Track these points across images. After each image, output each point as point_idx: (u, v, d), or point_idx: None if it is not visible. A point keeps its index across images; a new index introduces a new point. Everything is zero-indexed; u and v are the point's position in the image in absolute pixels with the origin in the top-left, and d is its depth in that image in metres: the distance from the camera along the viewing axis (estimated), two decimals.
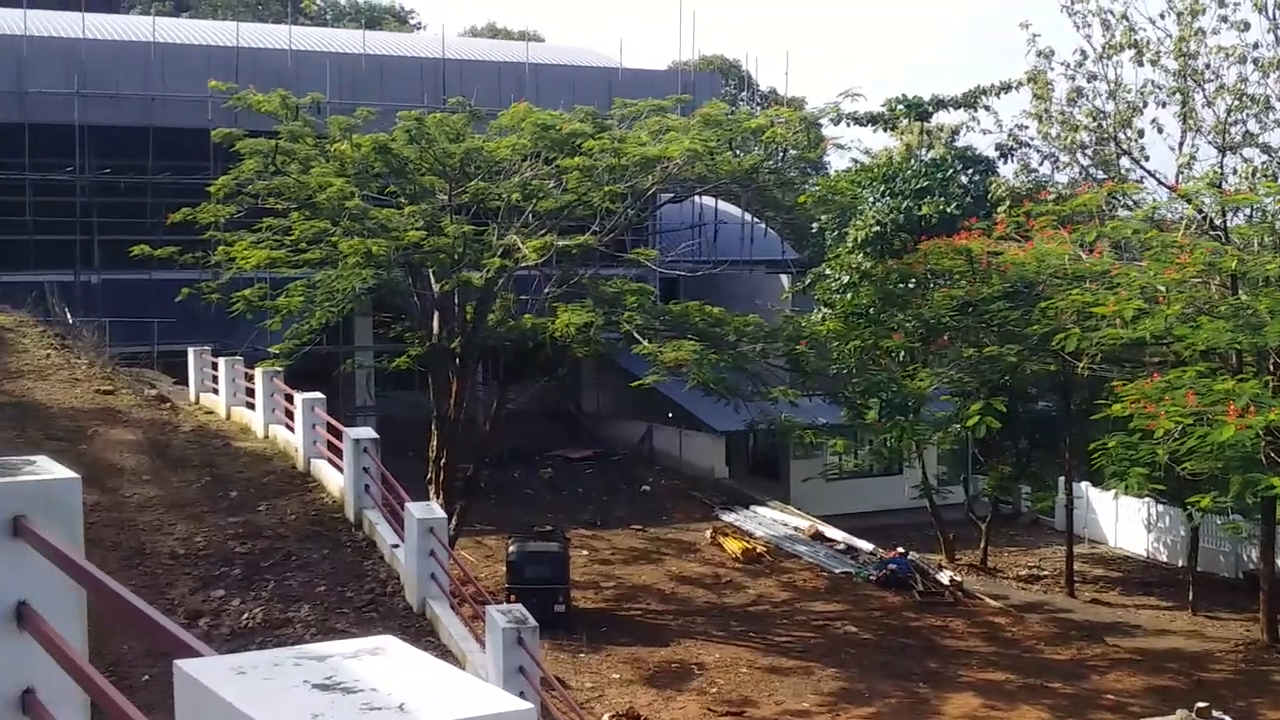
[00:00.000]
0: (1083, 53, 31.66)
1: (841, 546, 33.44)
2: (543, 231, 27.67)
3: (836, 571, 31.40)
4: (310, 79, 35.42)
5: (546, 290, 29.40)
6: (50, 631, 4.26)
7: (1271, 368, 27.95)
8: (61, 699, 4.48)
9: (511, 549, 26.56)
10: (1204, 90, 30.27)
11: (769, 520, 35.61)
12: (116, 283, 36.07)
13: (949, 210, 36.04)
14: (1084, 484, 37.42)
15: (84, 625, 4.53)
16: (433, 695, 2.14)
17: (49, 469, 4.64)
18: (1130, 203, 32.30)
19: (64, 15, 41.72)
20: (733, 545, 32.41)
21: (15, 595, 4.47)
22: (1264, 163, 30.54)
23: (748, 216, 45.33)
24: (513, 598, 22.38)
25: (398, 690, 2.15)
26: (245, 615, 16.74)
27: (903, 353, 33.43)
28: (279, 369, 25.90)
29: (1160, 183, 31.58)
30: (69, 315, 32.68)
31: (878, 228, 36.77)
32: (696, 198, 39.35)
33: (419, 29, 72.37)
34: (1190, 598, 31.64)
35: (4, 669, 4.53)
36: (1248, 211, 30.64)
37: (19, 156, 36.77)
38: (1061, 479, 36.59)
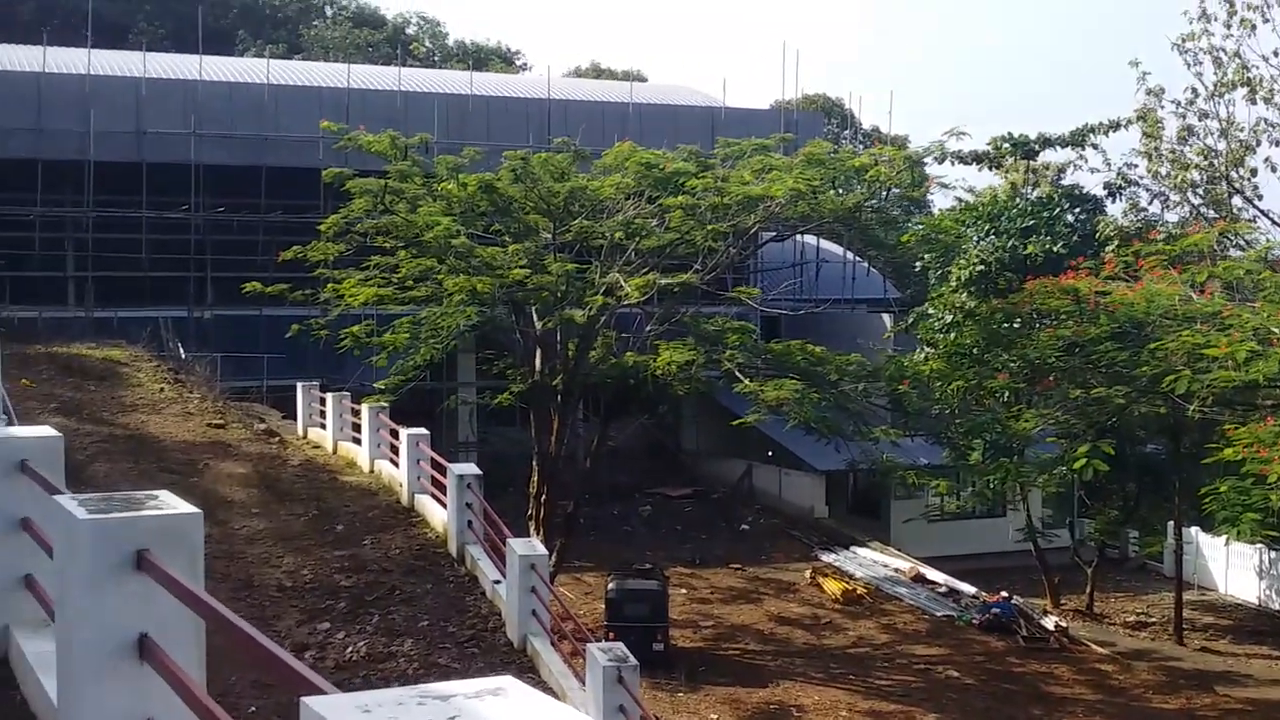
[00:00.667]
0: (1194, 91, 31.34)
1: (943, 589, 33.11)
2: (645, 270, 27.82)
3: (938, 614, 31.07)
4: (419, 119, 35.93)
5: (648, 328, 29.49)
6: (170, 663, 4.40)
7: None
8: None
9: (611, 586, 26.61)
10: None
11: (869, 561, 35.35)
12: (228, 319, 36.78)
13: (1055, 249, 35.62)
14: (1194, 529, 36.65)
15: (202, 657, 4.67)
16: None
17: (171, 504, 4.79)
18: (1243, 242, 31.74)
19: (181, 58, 42.85)
20: (832, 586, 32.21)
21: (138, 628, 4.62)
22: None
23: (850, 255, 45.16)
24: (612, 635, 22.42)
25: None
26: (350, 649, 16.92)
27: (1007, 393, 33.02)
28: (384, 404, 26.21)
29: (1274, 222, 31.09)
30: (182, 350, 33.41)
31: (982, 267, 36.43)
32: (799, 236, 39.31)
33: (524, 70, 73.27)
34: None
35: (126, 700, 4.68)
36: None
37: (136, 195, 37.63)
38: (1170, 524, 35.87)
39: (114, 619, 4.66)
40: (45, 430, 7.60)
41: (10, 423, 10.30)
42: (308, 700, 2.38)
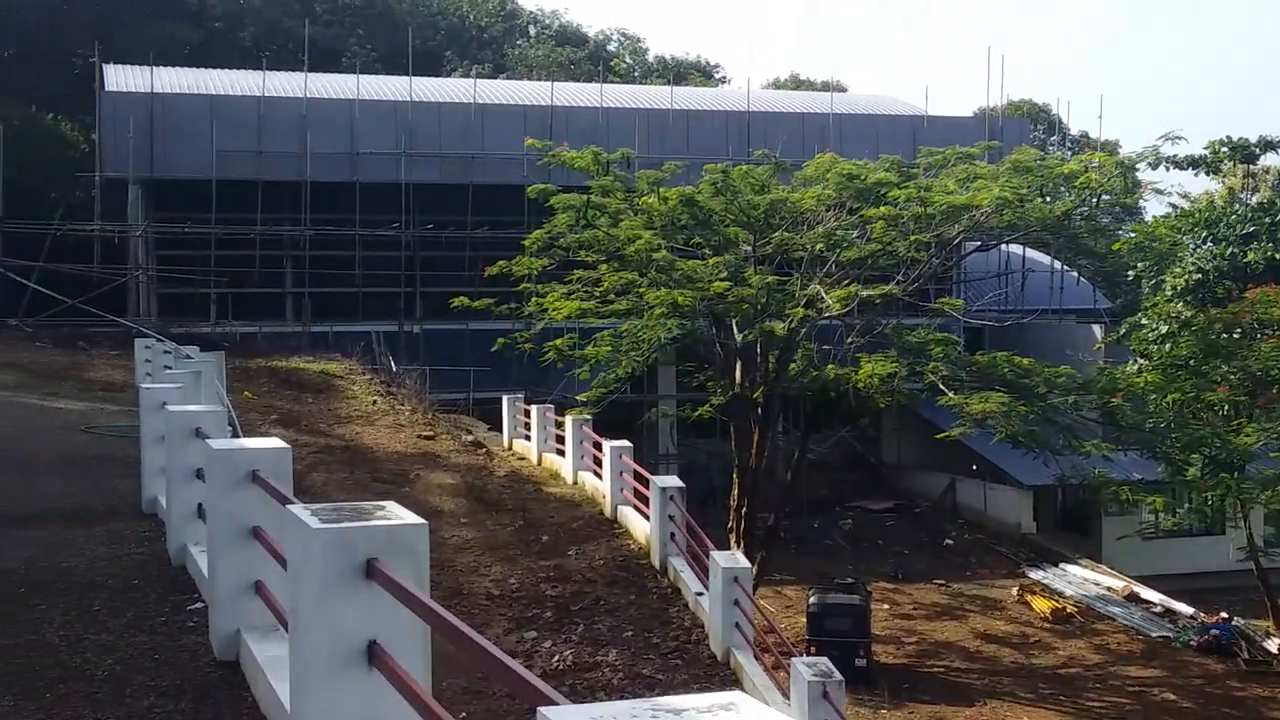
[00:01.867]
0: None
1: (1159, 609, 32.13)
2: (846, 281, 27.65)
3: (1153, 635, 30.16)
4: (620, 134, 36.33)
5: (849, 340, 29.27)
6: (399, 670, 4.55)
7: None
8: None
9: (812, 600, 26.48)
10: None
11: (1079, 579, 34.50)
12: (436, 332, 37.60)
13: (1278, 257, 34.46)
14: None
15: (428, 664, 4.80)
16: None
17: (399, 514, 4.94)
18: None
19: (392, 79, 43.98)
20: (1041, 604, 31.54)
21: (367, 635, 4.77)
22: None
23: (1058, 264, 44.20)
24: (814, 649, 22.31)
25: None
26: (556, 657, 17.15)
27: (1227, 407, 31.97)
28: (587, 417, 26.51)
29: None
30: (393, 363, 34.30)
31: (1199, 275, 35.41)
32: (1004, 245, 38.62)
33: (724, 83, 73.44)
34: None
35: (356, 706, 4.84)
36: None
37: (350, 213, 38.75)
38: None
39: (345, 625, 4.82)
40: (275, 442, 7.88)
41: (236, 434, 10.74)
42: (545, 710, 2.42)
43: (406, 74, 43.10)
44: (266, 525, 7.22)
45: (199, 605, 8.90)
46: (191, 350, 24.09)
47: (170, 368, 20.40)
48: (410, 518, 4.93)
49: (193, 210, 38.12)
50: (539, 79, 51.86)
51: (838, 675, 15.05)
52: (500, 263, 30.51)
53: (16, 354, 29.62)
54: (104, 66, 39.85)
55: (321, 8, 57.06)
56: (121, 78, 40.12)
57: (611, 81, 55.44)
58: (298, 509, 5.19)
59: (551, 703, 2.58)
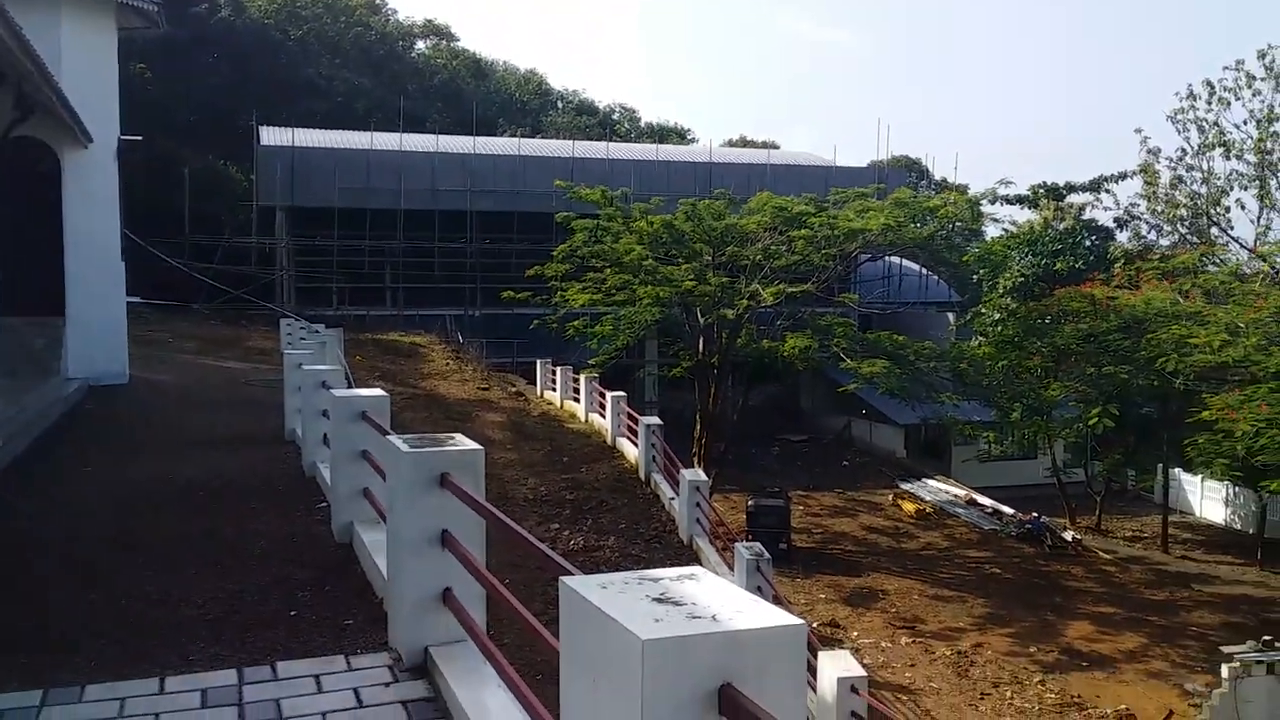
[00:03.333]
0: (1183, 150, 30.14)
1: (990, 510, 32.27)
2: (777, 281, 27.64)
3: (985, 529, 30.31)
4: (620, 177, 36.16)
5: (778, 322, 29.31)
6: (463, 550, 4.58)
7: None
8: (469, 597, 4.80)
9: (750, 504, 26.56)
10: (1277, 177, 28.18)
11: (935, 489, 34.64)
12: (490, 316, 37.54)
13: (1077, 266, 34.52)
14: (1177, 469, 35.13)
15: (484, 547, 4.84)
16: (736, 609, 2.19)
17: (464, 442, 4.96)
18: (1218, 261, 30.26)
19: (460, 139, 43.75)
20: (908, 506, 31.67)
21: (440, 526, 4.81)
22: None
23: (924, 270, 44.16)
24: (750, 538, 22.42)
25: (711, 604, 2.21)
26: (572, 542, 17.24)
27: (1039, 370, 32.06)
28: (595, 375, 26.60)
29: (1242, 246, 29.56)
30: (460, 337, 34.26)
31: (1022, 279, 35.44)
32: (887, 257, 38.59)
33: (693, 142, 72.93)
34: (1259, 557, 29.38)
35: (433, 574, 4.88)
36: None
37: (430, 231, 38.69)
38: (1160, 465, 34.45)
39: (425, 520, 4.84)
40: (377, 391, 7.89)
41: (350, 386, 10.72)
42: (564, 579, 2.44)
43: (471, 134, 42.97)
44: (372, 449, 7.24)
45: (324, 504, 8.92)
46: (319, 327, 24.04)
47: (304, 339, 20.37)
48: (471, 445, 4.95)
49: (321, 228, 37.99)
50: (564, 139, 51.60)
51: (767, 555, 15.14)
52: (536, 267, 30.52)
53: (197, 329, 29.56)
54: (260, 128, 39.64)
55: (411, 87, 56.69)
56: (272, 136, 39.85)
57: (614, 141, 55.14)
58: (394, 438, 5.21)
59: (570, 574, 2.59)
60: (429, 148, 40.66)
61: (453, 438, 5.04)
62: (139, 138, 19.06)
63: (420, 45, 69.54)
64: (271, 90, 48.69)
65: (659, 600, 2.25)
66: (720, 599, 2.26)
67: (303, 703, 4.63)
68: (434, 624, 4.94)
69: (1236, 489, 33.98)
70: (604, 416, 23.94)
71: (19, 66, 11.01)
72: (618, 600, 2.26)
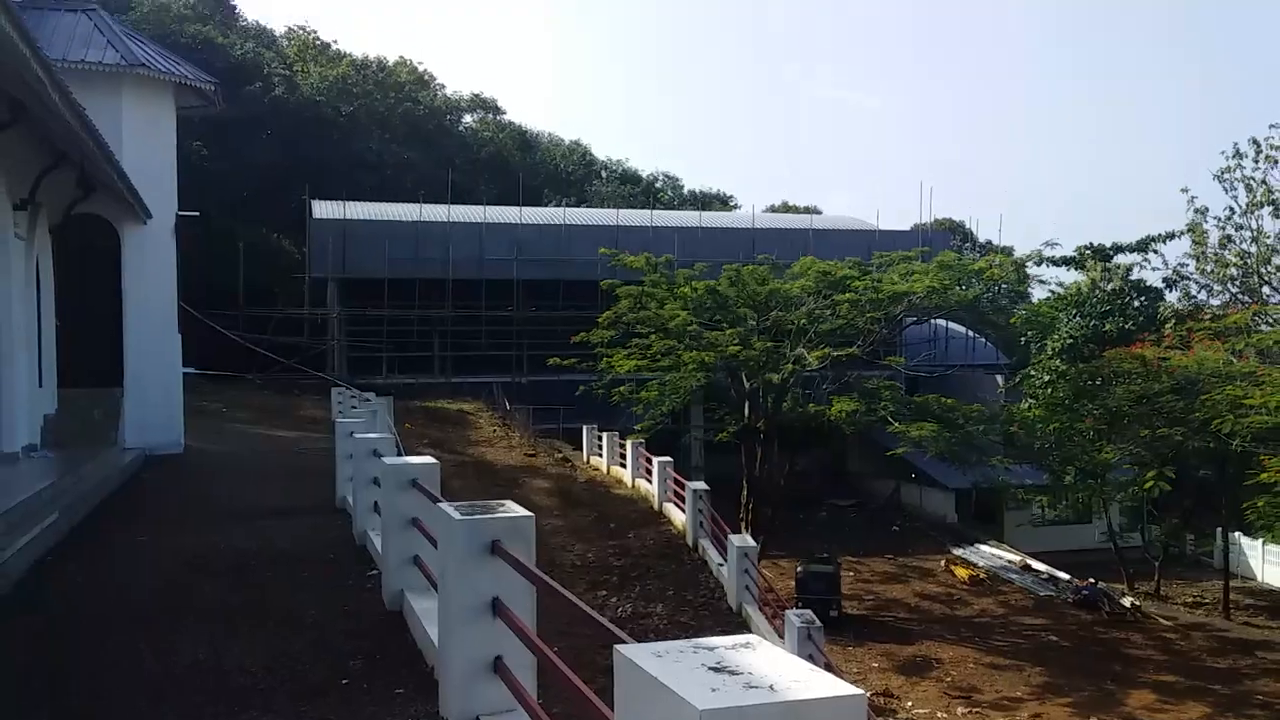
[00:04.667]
0: (1230, 209, 29.71)
1: (1045, 576, 31.56)
2: (822, 345, 27.58)
3: (1041, 594, 29.61)
4: (664, 244, 36.46)
5: (824, 386, 29.17)
6: (515, 618, 4.56)
7: None
8: (520, 665, 4.77)
9: (799, 569, 26.20)
10: None
11: (988, 554, 33.98)
12: (537, 382, 37.67)
13: (1126, 327, 34.04)
14: (1237, 533, 34.21)
15: (534, 615, 4.81)
16: (792, 679, 2.15)
17: (514, 509, 4.97)
18: (1271, 320, 29.71)
19: (507, 209, 44.35)
20: (961, 572, 31.06)
21: (492, 593, 4.80)
22: None
23: (971, 333, 43.86)
24: (800, 605, 22.08)
25: (768, 674, 2.18)
26: (620, 609, 17.09)
27: (1092, 432, 31.54)
28: (642, 440, 26.54)
29: None
30: (508, 404, 34.43)
31: (1071, 340, 35.02)
32: (933, 319, 38.40)
33: (735, 208, 73.40)
34: None
35: (484, 643, 4.86)
36: None
37: (478, 300, 39.11)
38: (1219, 529, 33.56)
39: (476, 587, 4.83)
40: (428, 459, 7.93)
41: (400, 454, 10.80)
42: (619, 648, 2.41)
43: (518, 204, 43.59)
44: (422, 516, 7.26)
45: (375, 573, 8.95)
46: (369, 395, 24.28)
47: (355, 407, 20.59)
48: (522, 512, 4.95)
49: (371, 299, 38.57)
50: (608, 207, 52.19)
51: (818, 623, 14.91)
52: (581, 334, 30.68)
53: (250, 398, 30.00)
54: (312, 202, 40.52)
55: (459, 160, 57.78)
56: (324, 209, 40.74)
57: (658, 208, 55.69)
58: (445, 505, 5.23)
59: (624, 642, 2.56)
60: (476, 218, 41.25)
61: (503, 504, 5.05)
62: (196, 214, 19.61)
63: (467, 119, 71.00)
64: (323, 165, 49.86)
65: (715, 669, 2.23)
66: (777, 668, 2.23)
67: None
68: (485, 693, 4.91)
69: None
70: (650, 482, 23.85)
71: (82, 147, 11.42)
72: (674, 669, 2.23)
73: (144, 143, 17.41)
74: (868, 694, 19.28)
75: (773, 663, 2.27)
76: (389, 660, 6.67)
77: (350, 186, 46.17)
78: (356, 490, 10.69)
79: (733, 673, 2.20)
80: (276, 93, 52.02)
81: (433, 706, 5.49)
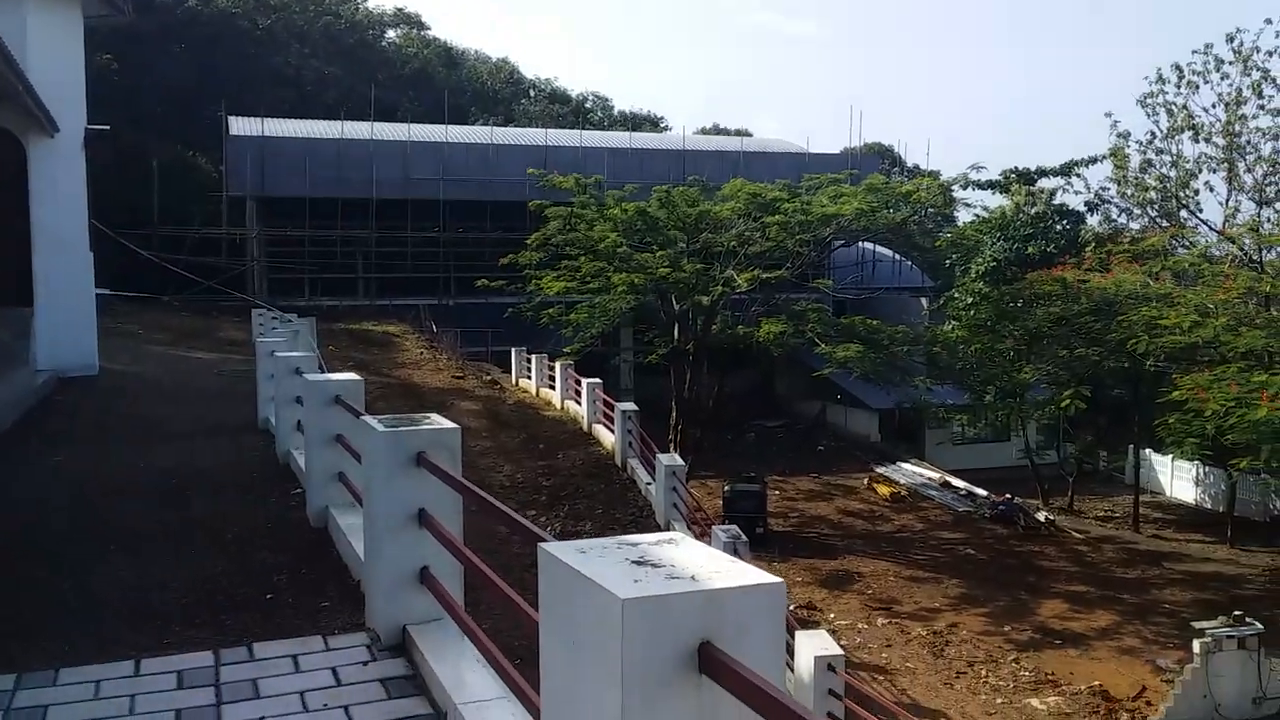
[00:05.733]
0: (1152, 134, 30.20)
1: (963, 492, 32.53)
2: (751, 267, 27.69)
3: (959, 510, 30.56)
4: (594, 165, 36.10)
5: (753, 308, 29.37)
6: (441, 528, 4.56)
7: None
8: (447, 574, 4.78)
9: (727, 488, 26.65)
10: (1245, 160, 28.52)
11: (909, 472, 34.87)
12: (465, 305, 37.39)
13: (1048, 250, 34.71)
14: (1148, 450, 35.54)
15: (460, 524, 4.82)
16: (714, 570, 2.17)
17: (440, 421, 4.94)
18: (1187, 244, 30.54)
19: (433, 127, 43.47)
20: (883, 489, 31.87)
21: (418, 504, 4.79)
22: None
23: (897, 255, 44.35)
24: (727, 522, 22.49)
25: (690, 566, 2.19)
26: (549, 528, 17.19)
27: (1012, 353, 32.30)
28: (571, 362, 26.54)
29: (1211, 229, 29.84)
30: (435, 326, 34.10)
31: (994, 263, 35.61)
32: (861, 242, 38.71)
33: (667, 129, 72.81)
34: (1228, 535, 29.75)
35: (411, 554, 4.86)
36: (1278, 250, 28.67)
37: (403, 221, 38.47)
38: (1131, 446, 34.83)
39: (401, 499, 4.81)
40: (351, 376, 7.84)
41: (324, 372, 10.64)
42: (543, 545, 2.41)
43: (444, 123, 42.71)
44: (346, 432, 7.19)
45: (299, 491, 8.87)
46: (291, 317, 23.85)
47: (276, 328, 20.21)
48: (447, 423, 4.93)
49: (292, 219, 37.73)
50: (537, 127, 51.38)
51: (744, 538, 15.18)
52: (510, 255, 30.42)
53: (167, 320, 29.26)
54: (228, 118, 39.25)
55: (383, 75, 56.26)
56: (242, 126, 39.49)
57: (588, 128, 54.97)
58: (369, 419, 5.18)
59: (543, 540, 2.57)
60: (401, 137, 40.39)
61: (428, 417, 5.02)
62: (106, 126, 18.81)
63: (390, 34, 69.01)
64: (240, 80, 48.24)
65: (638, 563, 2.24)
66: (699, 561, 2.25)
67: (280, 682, 4.60)
68: (412, 603, 4.92)
69: (1206, 468, 34.36)
70: (580, 404, 23.91)
71: None
72: (597, 563, 2.25)
73: (49, 51, 16.55)
74: (791, 606, 19.80)
75: (695, 556, 2.28)
76: (315, 575, 6.64)
77: (269, 103, 44.75)
78: (279, 410, 10.54)
79: (655, 565, 2.22)
80: (190, 3, 49.92)
81: (359, 618, 5.49)
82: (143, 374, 18.44)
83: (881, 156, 56.72)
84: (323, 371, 10.71)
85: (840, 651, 11.56)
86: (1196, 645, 16.58)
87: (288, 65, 53.32)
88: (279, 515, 8.34)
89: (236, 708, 4.34)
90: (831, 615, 20.89)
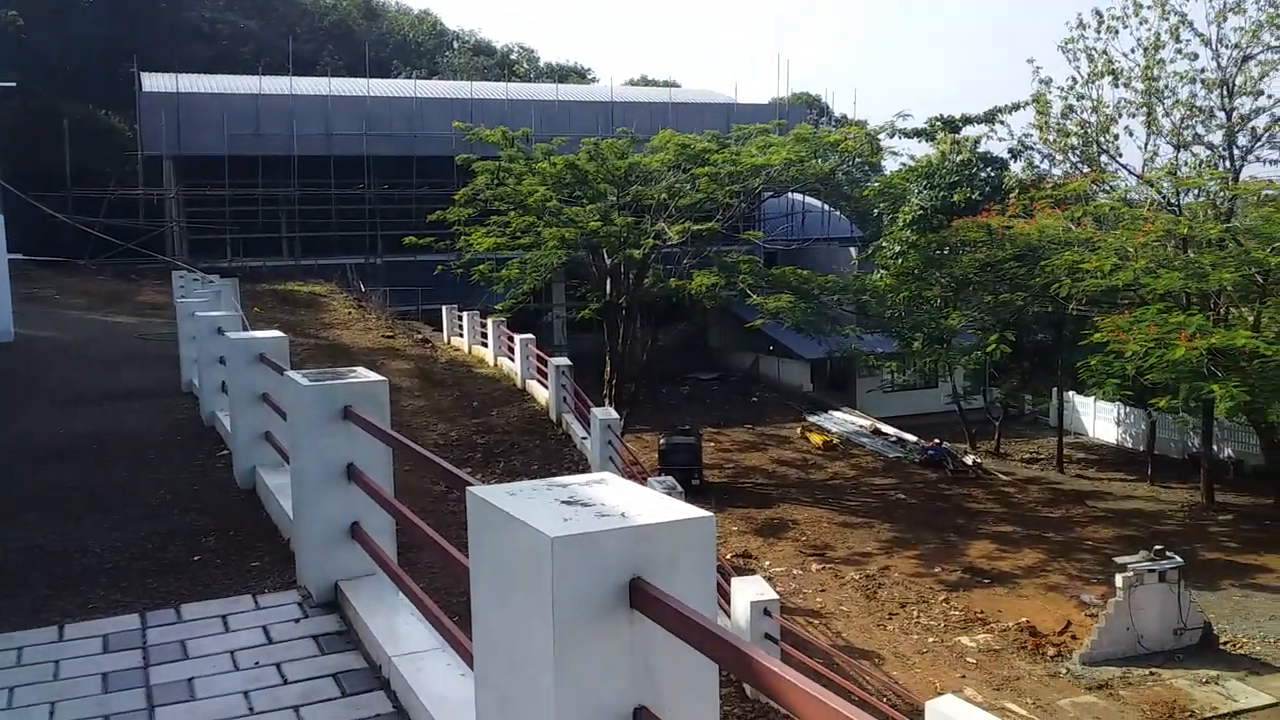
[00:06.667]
0: (1073, 79, 30.58)
1: (894, 439, 33.12)
2: (682, 220, 27.64)
3: (890, 456, 31.12)
4: (521, 118, 35.65)
5: (685, 261, 29.37)
6: (370, 482, 4.50)
7: (1212, 305, 27.01)
8: (377, 529, 4.73)
9: (662, 441, 26.79)
10: (1163, 104, 29.05)
11: (841, 420, 35.38)
12: (393, 263, 36.90)
13: (973, 197, 35.09)
14: (1071, 392, 36.46)
15: (390, 477, 4.76)
16: (644, 506, 2.19)
17: (366, 375, 4.86)
18: (1108, 188, 31.09)
19: (355, 81, 42.54)
20: (815, 438, 32.30)
21: (346, 459, 4.72)
22: (1208, 156, 29.24)
23: (826, 206, 44.65)
24: (664, 474, 22.62)
25: (620, 504, 2.21)
26: (484, 484, 17.10)
27: (939, 300, 32.76)
28: (503, 319, 26.33)
29: (1130, 173, 30.44)
30: (362, 286, 33.59)
31: (921, 211, 35.97)
32: (790, 193, 38.88)
33: (594, 81, 72.08)
34: (1149, 473, 30.74)
35: (340, 509, 4.79)
36: (1196, 192, 29.34)
37: (326, 178, 37.70)
38: (1055, 389, 35.68)
39: (329, 454, 4.74)
40: (275, 333, 7.69)
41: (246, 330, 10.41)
42: (471, 489, 2.42)
43: (365, 76, 41.79)
44: (271, 391, 7.07)
45: (225, 453, 8.71)
46: (213, 278, 23.29)
47: (198, 290, 19.73)
48: (374, 376, 4.85)
49: (211, 178, 36.73)
50: (462, 80, 50.49)
51: (680, 489, 15.29)
52: (438, 212, 30.01)
53: (86, 285, 28.43)
54: (141, 75, 37.97)
55: (301, 29, 54.79)
56: (155, 83, 38.22)
57: (514, 81, 54.19)
58: (293, 374, 5.08)
59: (471, 485, 2.54)
60: (321, 91, 39.44)
61: (354, 371, 4.93)
62: (13, 85, 18.10)
63: None
64: (153, 36, 46.66)
65: (568, 503, 2.25)
66: (629, 499, 2.26)
67: (209, 643, 4.53)
68: (343, 558, 4.87)
69: (1127, 409, 35.38)
70: (513, 360, 23.76)
71: None
72: (526, 504, 2.25)
73: None
74: (728, 555, 20.05)
75: (625, 495, 2.30)
76: (244, 536, 6.53)
77: (183, 58, 43.39)
78: (202, 371, 10.31)
79: (585, 505, 2.23)
80: None
81: (290, 577, 5.42)
82: (61, 340, 17.91)
83: (809, 107, 56.88)
84: (246, 329, 10.49)
85: (776, 597, 11.74)
86: (1119, 580, 17.13)
87: (202, 20, 51.71)
88: (205, 477, 8.18)
89: (164, 669, 4.26)
90: (767, 563, 21.19)
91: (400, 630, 4.27)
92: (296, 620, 4.76)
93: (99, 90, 43.72)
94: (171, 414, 11.01)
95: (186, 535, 6.61)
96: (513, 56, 75.00)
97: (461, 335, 28.09)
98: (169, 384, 12.73)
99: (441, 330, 29.90)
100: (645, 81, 72.18)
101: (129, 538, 6.56)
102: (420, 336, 28.19)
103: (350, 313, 28.60)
